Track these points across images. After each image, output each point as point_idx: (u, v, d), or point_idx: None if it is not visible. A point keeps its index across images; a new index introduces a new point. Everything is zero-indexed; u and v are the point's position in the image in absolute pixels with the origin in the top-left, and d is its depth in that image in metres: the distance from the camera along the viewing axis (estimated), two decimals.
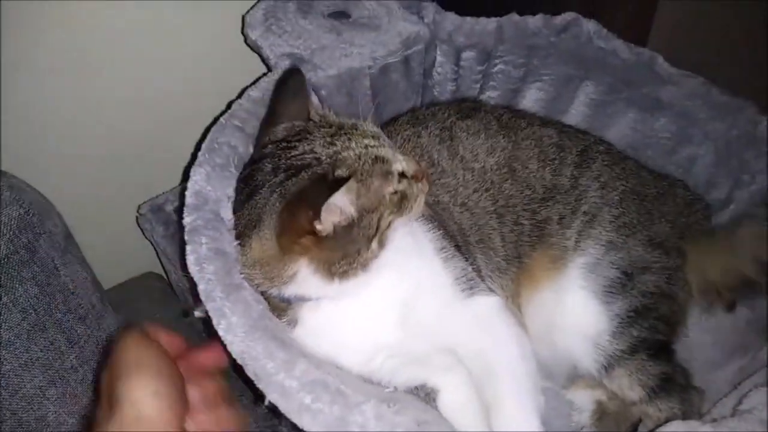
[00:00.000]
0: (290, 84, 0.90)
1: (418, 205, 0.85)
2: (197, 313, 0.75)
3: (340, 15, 1.17)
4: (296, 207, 0.75)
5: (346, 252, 0.78)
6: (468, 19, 1.20)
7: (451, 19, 1.20)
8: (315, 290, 0.80)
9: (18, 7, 0.97)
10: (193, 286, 0.75)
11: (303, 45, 1.10)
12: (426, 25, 1.18)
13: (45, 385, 0.89)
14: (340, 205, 0.75)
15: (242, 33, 1.13)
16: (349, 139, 0.81)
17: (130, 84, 1.16)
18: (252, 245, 0.79)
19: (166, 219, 1.20)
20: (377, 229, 0.79)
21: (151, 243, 1.25)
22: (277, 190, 0.78)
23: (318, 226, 0.74)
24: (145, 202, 1.22)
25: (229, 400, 0.71)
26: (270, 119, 0.90)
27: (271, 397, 0.67)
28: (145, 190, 1.26)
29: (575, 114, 1.22)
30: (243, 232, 0.81)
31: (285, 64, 1.06)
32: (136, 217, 1.23)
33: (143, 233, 1.24)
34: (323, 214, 0.73)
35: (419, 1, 1.21)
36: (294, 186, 0.77)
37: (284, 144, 0.83)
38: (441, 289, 0.87)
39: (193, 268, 0.75)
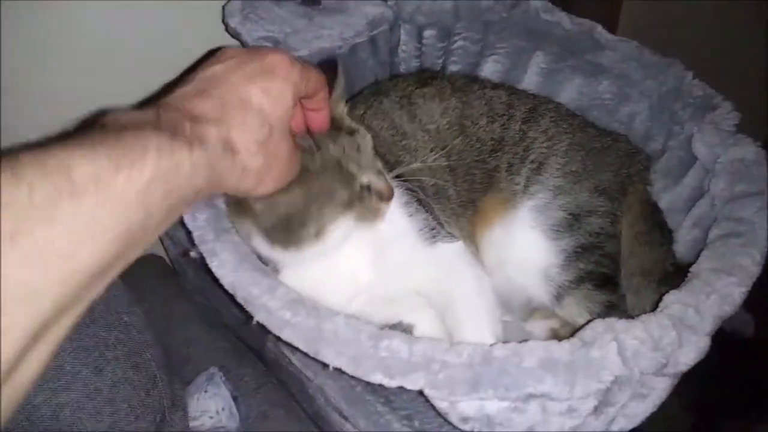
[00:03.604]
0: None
1: (374, 215, 0.93)
2: (193, 254, 0.86)
3: (312, 2, 1.28)
4: None
5: (284, 227, 0.87)
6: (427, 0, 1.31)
7: (411, 0, 1.31)
8: (270, 253, 0.90)
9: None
10: (189, 233, 0.86)
11: (278, 29, 1.20)
12: (389, 7, 1.29)
13: None
14: None
15: (223, 22, 1.24)
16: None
17: (118, 75, 1.23)
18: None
19: None
20: (317, 220, 0.87)
21: None
22: None
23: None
24: None
25: None
26: None
27: (258, 317, 0.78)
28: None
29: (529, 82, 1.33)
30: None
31: (262, 45, 1.17)
32: None
33: None
34: None
35: None
36: None
37: None
38: (407, 239, 0.98)
39: (187, 218, 0.87)
